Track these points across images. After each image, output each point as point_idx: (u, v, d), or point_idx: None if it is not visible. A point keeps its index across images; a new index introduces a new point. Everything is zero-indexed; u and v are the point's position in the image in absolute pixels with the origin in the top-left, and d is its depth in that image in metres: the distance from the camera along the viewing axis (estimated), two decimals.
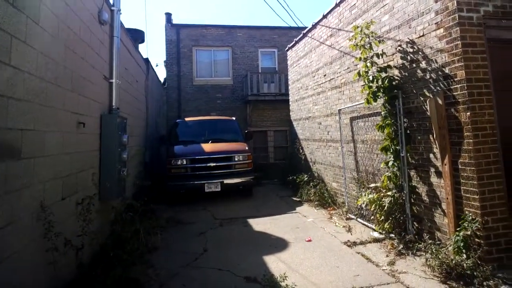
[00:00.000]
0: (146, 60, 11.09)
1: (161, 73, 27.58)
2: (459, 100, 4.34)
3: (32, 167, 3.03)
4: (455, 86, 4.40)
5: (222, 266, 4.81)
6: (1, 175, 2.50)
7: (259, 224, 7.05)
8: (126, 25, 8.00)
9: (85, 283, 3.66)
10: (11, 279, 2.63)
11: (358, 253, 5.13)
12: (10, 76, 2.65)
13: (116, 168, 5.26)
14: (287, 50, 12.15)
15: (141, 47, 14.02)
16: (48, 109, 3.40)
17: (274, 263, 4.88)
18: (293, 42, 11.35)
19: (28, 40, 2.97)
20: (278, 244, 5.72)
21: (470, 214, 4.20)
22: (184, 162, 9.25)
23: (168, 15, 16.02)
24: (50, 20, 3.48)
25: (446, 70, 4.53)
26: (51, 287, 3.35)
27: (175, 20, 17.51)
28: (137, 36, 10.75)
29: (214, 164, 9.23)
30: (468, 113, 4.23)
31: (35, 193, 3.09)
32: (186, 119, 11.82)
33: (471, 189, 4.22)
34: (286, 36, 15.61)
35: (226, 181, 9.16)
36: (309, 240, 5.83)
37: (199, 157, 9.29)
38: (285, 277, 4.13)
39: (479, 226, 4.04)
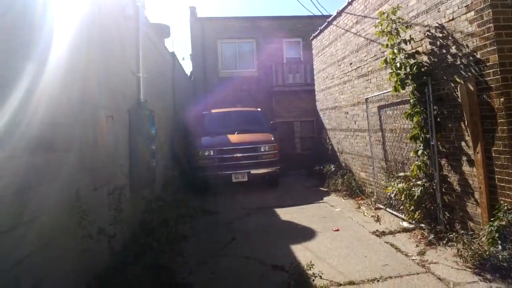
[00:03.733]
0: (172, 54, 11.23)
1: (187, 67, 27.90)
2: (492, 85, 4.17)
3: (63, 160, 3.15)
4: (487, 71, 4.22)
5: (250, 254, 4.87)
6: (35, 168, 2.62)
7: (286, 213, 7.07)
8: (151, 21, 8.12)
9: (117, 269, 3.80)
10: (48, 265, 2.77)
11: (387, 242, 5.07)
12: (41, 72, 2.76)
13: (145, 159, 5.40)
14: (312, 39, 11.99)
15: (167, 41, 14.22)
16: (79, 103, 3.52)
17: (301, 252, 4.90)
18: (318, 31, 11.18)
19: (57, 37, 3.07)
20: (305, 233, 5.73)
21: (506, 204, 4.04)
22: (212, 153, 9.40)
23: (193, 9, 16.11)
24: (80, 18, 3.59)
25: (478, 55, 4.35)
26: (85, 273, 3.50)
27: (200, 14, 17.58)
28: (162, 30, 10.88)
29: (241, 154, 9.33)
30: (502, 99, 4.05)
31: (68, 185, 3.21)
32: (213, 111, 11.92)
33: (506, 177, 4.06)
34: (310, 25, 15.32)
35: (253, 171, 9.24)
36: (337, 230, 5.80)
37: (226, 148, 9.42)
38: (312, 265, 4.13)
39: None
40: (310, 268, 4.09)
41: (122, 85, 5.08)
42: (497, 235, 3.92)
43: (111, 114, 4.48)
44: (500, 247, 3.89)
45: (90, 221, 3.32)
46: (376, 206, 6.94)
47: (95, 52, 4.07)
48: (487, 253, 3.91)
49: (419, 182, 5.42)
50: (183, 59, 25.78)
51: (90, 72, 3.88)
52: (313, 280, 3.92)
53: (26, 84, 2.51)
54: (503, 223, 3.91)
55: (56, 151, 3.01)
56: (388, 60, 5.81)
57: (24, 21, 2.51)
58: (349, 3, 8.29)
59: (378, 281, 3.89)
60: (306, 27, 15.77)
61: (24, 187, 2.46)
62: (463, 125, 4.69)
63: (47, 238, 2.77)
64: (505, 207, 4.00)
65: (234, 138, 9.77)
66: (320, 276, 3.98)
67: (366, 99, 7.55)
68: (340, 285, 3.87)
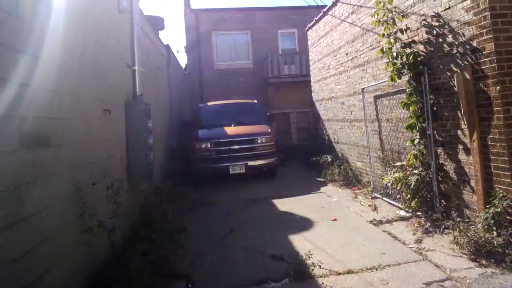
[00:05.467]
0: (167, 47, 11.17)
1: (182, 59, 27.75)
2: (488, 74, 4.18)
3: (61, 154, 3.15)
4: (483, 60, 4.23)
5: (249, 245, 4.92)
6: (32, 162, 2.62)
7: (283, 204, 7.12)
8: (146, 12, 8.05)
9: (117, 262, 3.83)
10: (49, 260, 2.78)
11: (384, 231, 5.12)
12: (36, 66, 2.74)
13: (142, 153, 5.40)
14: (307, 30, 11.93)
15: (162, 34, 14.11)
16: (74, 98, 3.50)
17: (300, 242, 4.95)
18: (313, 21, 11.12)
19: (51, 31, 3.04)
20: (303, 224, 5.78)
21: (501, 191, 4.09)
22: (209, 146, 9.41)
23: (187, 1, 15.98)
24: (74, 12, 3.56)
25: (474, 43, 4.36)
26: (86, 266, 3.52)
27: (194, 5, 17.43)
28: (157, 23, 10.78)
29: (238, 146, 9.35)
30: (498, 87, 4.07)
31: (66, 179, 3.22)
32: (209, 103, 11.91)
33: (501, 165, 4.10)
34: (306, 16, 15.22)
35: (250, 163, 9.27)
36: (334, 219, 5.85)
37: (223, 140, 9.43)
38: (311, 255, 4.18)
39: (511, 203, 3.94)
40: (309, 257, 4.15)
41: (118, 78, 5.06)
42: (492, 222, 3.99)
43: (108, 108, 4.46)
44: (495, 233, 3.95)
45: (90, 214, 3.33)
46: (373, 195, 6.99)
47: (90, 46, 4.04)
48: (483, 239, 3.96)
49: (415, 171, 5.47)
50: (178, 51, 25.64)
51: (86, 66, 3.85)
52: (312, 270, 3.97)
53: (22, 78, 2.49)
54: (498, 210, 3.97)
55: (54, 146, 3.00)
56: (384, 50, 5.80)
57: (17, 14, 2.49)
58: None
59: (376, 269, 3.94)
60: (302, 18, 15.68)
61: (23, 182, 2.46)
62: (459, 114, 4.72)
63: (47, 233, 2.78)
64: (501, 194, 4.05)
65: (230, 130, 9.78)
66: (319, 266, 4.03)
67: (362, 89, 7.55)
68: (339, 274, 3.91)
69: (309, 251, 4.29)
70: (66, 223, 3.13)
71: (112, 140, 4.63)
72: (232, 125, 10.06)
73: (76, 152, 3.48)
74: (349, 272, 3.93)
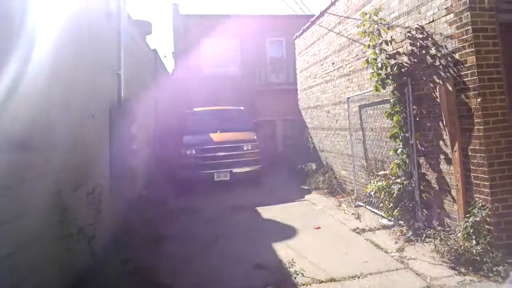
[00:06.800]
0: (154, 52, 11.10)
1: (170, 64, 27.64)
2: (470, 86, 4.29)
3: (43, 159, 3.08)
4: (465, 72, 4.34)
5: (232, 253, 4.88)
6: (13, 166, 2.56)
7: (268, 211, 7.10)
8: (133, 17, 8.01)
9: (98, 270, 3.75)
10: (29, 264, 2.71)
11: (367, 240, 5.15)
12: (19, 70, 2.69)
13: (126, 158, 5.33)
14: (295, 39, 12.05)
15: (149, 38, 14.06)
16: (58, 102, 3.44)
17: (283, 250, 4.93)
18: (301, 30, 11.24)
19: (37, 35, 3.00)
20: (287, 232, 5.77)
21: (480, 200, 4.17)
22: (194, 152, 9.35)
23: (175, 6, 15.95)
24: (61, 15, 3.52)
25: (456, 56, 4.47)
26: (66, 273, 3.44)
27: (183, 11, 17.43)
28: (144, 27, 10.75)
29: (223, 153, 9.31)
30: (479, 99, 4.17)
31: (47, 184, 3.15)
32: (195, 109, 11.82)
33: (481, 175, 4.19)
34: (294, 25, 15.27)
35: (235, 170, 9.24)
36: (318, 228, 5.86)
37: (208, 146, 9.38)
38: (294, 263, 4.18)
39: (489, 212, 4.02)
40: (292, 265, 4.14)
41: (103, 82, 5.00)
42: (471, 230, 4.07)
43: (92, 112, 4.40)
44: (474, 242, 4.03)
45: (70, 219, 3.27)
46: (357, 204, 7.04)
47: (76, 49, 3.99)
48: (462, 248, 4.03)
49: (398, 180, 5.53)
50: (165, 56, 25.50)
51: (72, 70, 3.80)
52: (295, 278, 3.96)
53: (6, 82, 2.45)
54: (478, 219, 4.06)
55: (37, 150, 2.94)
56: (369, 60, 5.89)
57: (4, 18, 2.44)
58: (332, 3, 8.36)
59: (358, 277, 3.95)
60: (290, 27, 15.71)
61: (4, 186, 2.39)
62: (441, 125, 4.81)
63: (28, 238, 2.71)
64: (480, 204, 4.14)
65: (216, 137, 9.74)
66: (302, 274, 4.02)
67: (348, 98, 7.64)
68: (322, 282, 3.91)
69: (292, 259, 4.28)
70: (48, 229, 3.06)
71: (95, 145, 4.56)
72: (218, 131, 10.02)
73: (59, 157, 3.42)
74: (332, 280, 3.94)
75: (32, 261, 2.79)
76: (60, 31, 3.56)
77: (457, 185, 4.51)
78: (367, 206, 6.71)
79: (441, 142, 4.87)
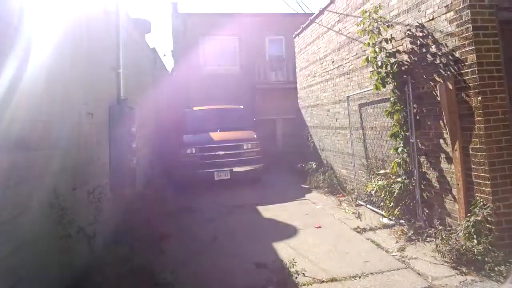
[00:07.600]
0: (153, 50, 11.07)
1: (169, 63, 27.61)
2: (470, 84, 4.27)
3: (41, 159, 3.07)
4: (465, 71, 4.32)
5: (232, 252, 4.87)
6: (11, 166, 2.54)
7: (268, 211, 7.09)
8: (132, 16, 7.98)
9: (97, 270, 3.73)
10: (27, 265, 2.69)
11: (368, 239, 5.14)
12: (17, 69, 2.67)
13: (125, 158, 5.30)
14: (295, 37, 12.01)
15: (148, 37, 14.02)
16: (57, 101, 3.42)
17: (284, 249, 4.92)
18: (300, 28, 11.21)
19: (36, 34, 2.98)
20: (287, 231, 5.76)
21: (481, 200, 4.16)
22: (194, 151, 9.33)
23: (174, 4, 15.90)
24: (60, 14, 3.49)
25: (457, 54, 4.44)
26: (65, 273, 3.43)
27: (182, 9, 17.38)
28: (143, 26, 10.69)
29: (223, 152, 9.30)
30: (479, 98, 4.16)
31: (48, 183, 3.13)
32: (195, 108, 11.80)
33: (482, 174, 4.17)
34: (293, 23, 15.22)
35: (235, 169, 9.23)
36: (319, 227, 5.85)
37: (208, 145, 9.36)
38: (294, 263, 4.16)
39: (491, 211, 4.00)
40: (292, 265, 4.12)
41: (102, 81, 4.97)
42: (473, 230, 4.05)
43: (91, 111, 4.38)
44: (475, 241, 4.01)
45: (69, 220, 3.25)
46: (357, 203, 7.03)
47: (75, 48, 3.96)
48: (464, 247, 4.02)
49: (398, 179, 5.52)
50: (164, 55, 25.45)
51: (70, 69, 3.77)
52: (296, 278, 3.95)
53: (4, 82, 2.43)
54: (479, 218, 4.04)
55: (35, 150, 2.92)
56: (369, 59, 5.87)
57: (1, 18, 2.42)
58: (332, 1, 8.33)
59: (359, 277, 3.94)
60: (289, 25, 15.66)
61: (2, 186, 2.38)
62: (442, 123, 4.79)
63: (26, 238, 2.70)
64: (481, 203, 4.12)
65: (216, 135, 9.72)
66: (303, 274, 4.01)
67: (348, 97, 7.62)
68: (323, 282, 3.90)
69: (293, 259, 4.27)
70: (46, 229, 3.05)
71: (94, 145, 4.54)
72: (218, 130, 10.00)
73: (57, 157, 3.40)
74: (333, 280, 3.92)
75: (31, 261, 2.77)
76: (59, 29, 3.53)
77: (458, 184, 4.49)
78: (367, 205, 6.70)
79: (441, 141, 4.86)
